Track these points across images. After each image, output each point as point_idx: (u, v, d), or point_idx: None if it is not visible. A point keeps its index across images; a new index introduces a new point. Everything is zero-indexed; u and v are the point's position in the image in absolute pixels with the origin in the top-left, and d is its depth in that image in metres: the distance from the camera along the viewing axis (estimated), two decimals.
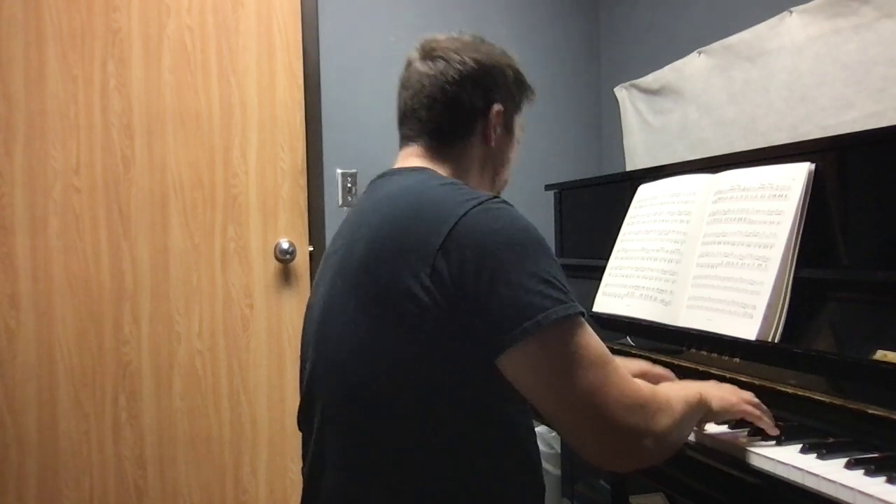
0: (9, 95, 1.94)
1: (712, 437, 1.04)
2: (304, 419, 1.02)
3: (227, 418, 2.13)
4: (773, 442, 0.98)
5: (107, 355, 2.03)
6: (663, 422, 0.85)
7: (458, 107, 1.03)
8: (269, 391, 2.16)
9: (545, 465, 2.24)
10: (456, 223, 0.84)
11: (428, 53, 1.05)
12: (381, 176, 1.04)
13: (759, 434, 1.01)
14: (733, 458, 0.99)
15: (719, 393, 1.01)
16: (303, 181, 2.20)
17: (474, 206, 0.86)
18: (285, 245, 2.16)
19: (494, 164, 1.10)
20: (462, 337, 0.83)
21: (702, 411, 0.96)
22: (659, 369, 1.22)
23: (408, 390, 0.86)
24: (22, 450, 1.95)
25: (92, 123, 2.02)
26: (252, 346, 2.15)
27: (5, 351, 1.94)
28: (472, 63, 1.04)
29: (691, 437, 1.05)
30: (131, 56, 2.05)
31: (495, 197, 0.90)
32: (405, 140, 1.08)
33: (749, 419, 1.01)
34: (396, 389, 0.86)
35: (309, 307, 1.06)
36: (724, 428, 1.06)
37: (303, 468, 1.03)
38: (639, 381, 0.87)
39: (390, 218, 0.90)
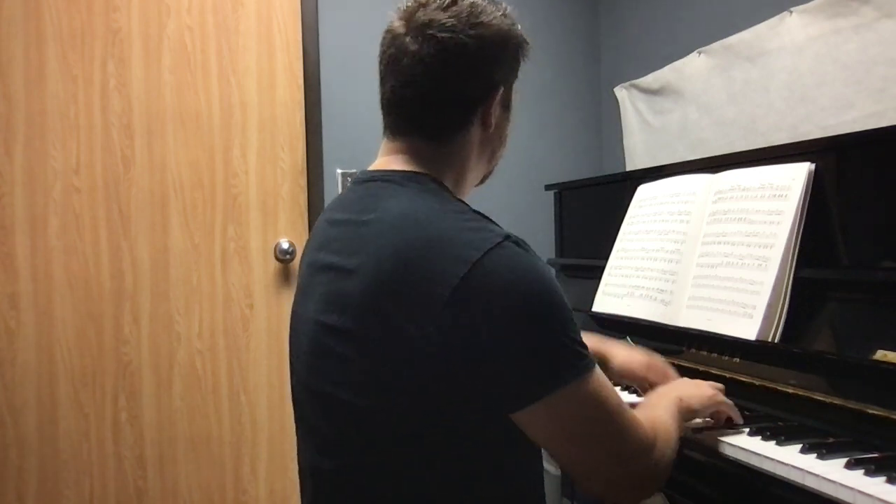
0: (9, 95, 1.94)
1: (713, 437, 1.04)
2: (300, 439, 0.99)
3: (227, 418, 2.13)
4: (774, 441, 0.98)
5: (107, 355, 2.03)
6: (668, 454, 0.89)
7: (456, 101, 0.93)
8: (269, 391, 2.16)
9: (545, 465, 2.23)
10: (469, 270, 0.77)
11: (418, 29, 0.90)
12: (371, 178, 0.94)
13: (759, 433, 1.01)
14: (733, 458, 0.99)
15: (695, 391, 1.04)
16: (303, 181, 2.20)
17: (490, 250, 0.79)
18: (285, 245, 2.16)
19: (493, 145, 1.01)
20: (469, 393, 0.80)
21: (684, 414, 0.98)
22: (660, 363, 1.22)
23: (401, 436, 0.83)
24: (22, 450, 1.95)
25: (92, 123, 2.02)
26: (252, 346, 2.15)
27: (5, 351, 1.94)
28: (473, 44, 0.90)
29: (691, 438, 1.05)
30: (131, 56, 2.05)
31: (509, 236, 0.82)
32: (393, 133, 0.96)
33: (725, 410, 1.06)
34: (390, 436, 0.83)
35: (295, 316, 1.00)
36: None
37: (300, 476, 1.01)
38: (641, 420, 0.87)
39: (393, 252, 0.81)
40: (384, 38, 0.96)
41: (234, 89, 2.13)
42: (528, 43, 0.99)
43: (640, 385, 1.24)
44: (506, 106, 1.00)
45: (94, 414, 2.01)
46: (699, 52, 2.07)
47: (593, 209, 1.95)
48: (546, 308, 0.80)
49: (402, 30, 0.93)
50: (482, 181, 1.07)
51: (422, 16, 0.91)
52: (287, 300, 2.15)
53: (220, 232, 2.12)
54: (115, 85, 2.03)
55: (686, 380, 1.13)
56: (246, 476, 2.15)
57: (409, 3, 0.94)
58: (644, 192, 1.61)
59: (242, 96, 2.14)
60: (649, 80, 2.31)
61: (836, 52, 1.61)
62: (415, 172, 0.92)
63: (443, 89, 0.91)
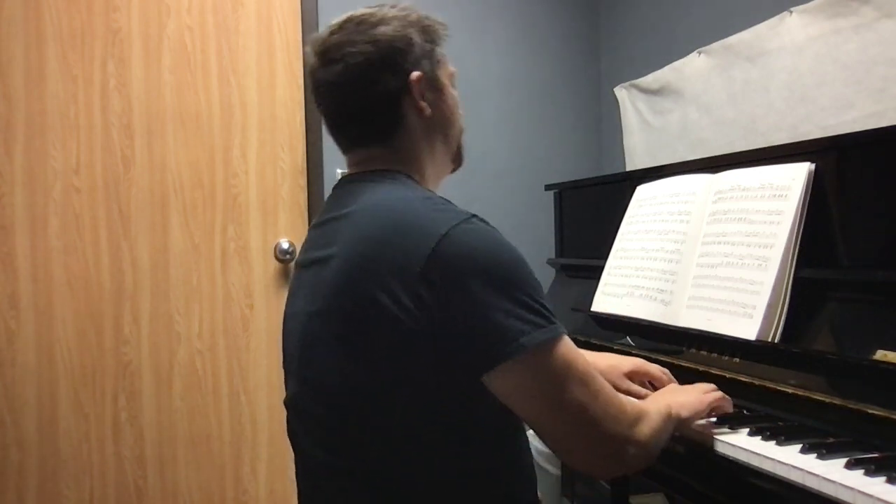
0: (9, 95, 1.94)
1: (713, 437, 1.04)
2: (292, 433, 1.02)
3: (227, 418, 2.13)
4: (774, 441, 0.98)
5: (107, 355, 2.03)
6: (644, 430, 0.89)
7: (379, 102, 0.98)
8: (269, 391, 2.16)
9: (545, 465, 2.23)
10: (437, 243, 0.82)
11: (324, 56, 0.99)
12: (349, 181, 1.01)
13: (759, 433, 1.01)
14: (733, 458, 0.99)
15: (685, 399, 1.04)
16: (303, 181, 2.21)
17: (456, 225, 0.84)
18: (285, 245, 2.16)
19: (441, 128, 1.04)
20: (445, 358, 0.83)
21: (674, 422, 0.98)
22: (652, 367, 1.23)
23: (391, 399, 0.86)
24: (22, 450, 1.95)
25: (92, 123, 2.02)
26: (252, 346, 2.15)
27: (5, 351, 1.94)
28: (372, 49, 0.96)
29: (691, 438, 1.05)
30: (131, 56, 2.05)
31: (474, 216, 0.87)
32: (346, 150, 1.04)
33: (718, 409, 1.06)
34: (380, 400, 0.86)
35: (287, 318, 1.03)
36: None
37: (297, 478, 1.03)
38: (620, 395, 0.89)
39: (367, 235, 0.88)
40: (306, 76, 1.03)
41: (234, 89, 2.13)
42: (437, 24, 1.04)
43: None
44: (436, 88, 1.03)
45: (94, 414, 2.01)
46: (699, 52, 2.07)
47: (593, 209, 1.95)
48: (512, 272, 0.85)
49: (315, 63, 1.02)
50: (456, 164, 1.11)
51: (325, 45, 1.00)
52: None
53: (219, 232, 2.12)
54: (115, 85, 2.03)
55: (677, 387, 1.13)
56: (246, 476, 2.15)
57: (316, 39, 1.02)
58: (644, 192, 1.61)
59: (242, 96, 2.14)
60: (649, 80, 2.31)
61: (836, 52, 1.61)
62: (387, 170, 0.99)
63: (361, 98, 0.98)
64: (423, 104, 1.00)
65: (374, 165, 1.00)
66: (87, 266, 2.01)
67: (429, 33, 1.02)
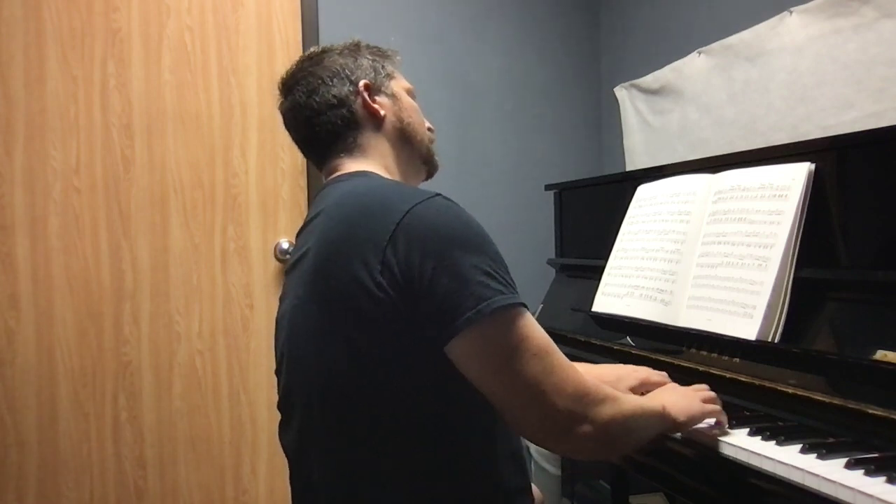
0: (9, 95, 1.94)
1: (712, 437, 1.04)
2: (284, 432, 1.04)
3: (227, 418, 2.13)
4: (774, 441, 0.98)
5: (107, 355, 2.03)
6: (604, 412, 0.88)
7: (331, 111, 1.07)
8: (269, 391, 2.16)
9: (545, 465, 2.24)
10: (402, 217, 0.86)
11: (283, 88, 1.13)
12: (326, 185, 1.07)
13: (759, 433, 1.01)
14: (733, 458, 0.99)
15: (684, 403, 1.03)
16: (303, 181, 2.21)
17: (420, 202, 0.88)
18: (285, 245, 2.16)
19: (401, 129, 1.12)
20: (413, 327, 0.85)
21: (664, 422, 0.98)
22: (657, 378, 1.22)
23: (373, 382, 0.88)
24: (22, 450, 1.95)
25: (92, 123, 2.02)
26: (252, 346, 2.15)
27: (5, 351, 1.94)
28: (318, 68, 1.10)
29: (691, 438, 1.05)
30: (131, 56, 2.05)
31: (439, 194, 0.91)
32: (320, 163, 1.12)
33: (715, 417, 1.05)
34: (362, 383, 0.88)
35: (278, 317, 1.06)
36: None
37: (291, 478, 1.04)
38: (582, 373, 0.89)
39: (338, 219, 0.92)
40: (280, 114, 1.16)
41: (234, 89, 2.13)
42: (386, 49, 1.17)
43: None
44: (389, 95, 1.12)
45: (94, 414, 2.01)
46: (699, 52, 2.07)
47: (593, 209, 1.95)
48: (474, 241, 0.88)
49: (279, 99, 1.15)
50: (429, 165, 1.19)
51: (282, 82, 1.15)
52: None
53: (220, 232, 2.12)
54: (115, 85, 2.03)
55: (676, 388, 1.12)
56: (246, 476, 2.15)
57: (280, 80, 1.16)
58: (644, 192, 1.61)
59: (242, 96, 2.14)
60: (649, 80, 2.31)
61: (836, 52, 1.61)
62: (357, 171, 1.06)
63: (318, 110, 1.08)
64: (376, 106, 1.09)
65: (346, 170, 1.07)
66: (87, 266, 2.01)
67: (376, 53, 1.15)
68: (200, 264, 2.11)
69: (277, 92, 1.15)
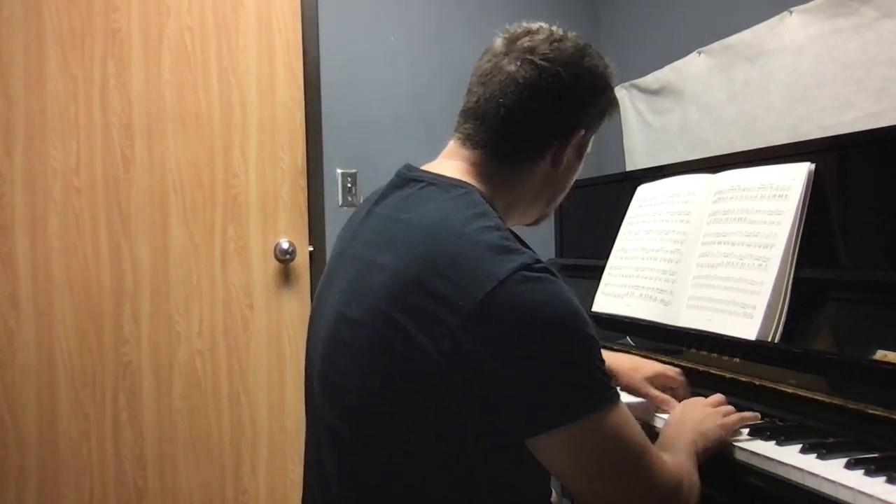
0: (9, 95, 1.94)
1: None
2: (309, 432, 0.99)
3: (227, 418, 2.13)
4: (774, 441, 0.98)
5: (107, 355, 2.03)
6: (694, 495, 0.86)
7: (538, 129, 0.92)
8: (269, 391, 2.16)
9: None
10: (492, 289, 0.75)
11: (519, 52, 0.92)
12: (418, 179, 0.92)
13: (759, 433, 1.01)
14: (733, 458, 0.99)
15: (703, 429, 0.99)
16: (303, 181, 2.20)
17: (514, 272, 0.77)
18: (285, 245, 2.16)
19: (556, 187, 1.00)
20: (484, 412, 0.78)
21: (700, 459, 0.96)
22: (671, 372, 1.21)
23: (416, 444, 0.82)
24: (22, 450, 1.95)
25: (92, 123, 2.02)
26: (252, 346, 2.15)
27: (5, 351, 1.94)
28: (569, 81, 0.91)
29: None
30: (131, 56, 2.05)
31: (538, 261, 0.81)
32: (461, 138, 0.95)
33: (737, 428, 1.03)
34: (404, 440, 0.82)
35: (314, 312, 0.99)
36: None
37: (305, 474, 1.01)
38: (668, 461, 0.85)
39: (421, 257, 0.80)
40: (483, 54, 0.98)
41: (234, 89, 2.13)
42: (617, 105, 1.02)
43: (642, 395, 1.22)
44: (580, 153, 0.99)
45: (94, 414, 2.01)
46: (699, 52, 2.06)
47: (593, 209, 1.95)
48: (569, 335, 0.78)
49: (501, 49, 0.95)
50: (535, 222, 1.07)
51: (526, 41, 0.94)
52: (287, 300, 2.15)
53: (220, 232, 2.12)
54: (115, 85, 2.03)
55: (694, 412, 1.05)
56: (246, 476, 2.15)
57: (516, 28, 0.97)
58: (644, 192, 1.61)
59: (242, 96, 2.14)
60: (649, 80, 2.31)
61: (836, 52, 1.61)
62: (464, 182, 0.90)
63: (527, 114, 0.91)
64: (564, 157, 0.95)
65: (456, 173, 0.92)
66: (87, 266, 2.01)
67: (611, 108, 1.00)
68: (200, 264, 2.11)
69: (507, 39, 0.96)
